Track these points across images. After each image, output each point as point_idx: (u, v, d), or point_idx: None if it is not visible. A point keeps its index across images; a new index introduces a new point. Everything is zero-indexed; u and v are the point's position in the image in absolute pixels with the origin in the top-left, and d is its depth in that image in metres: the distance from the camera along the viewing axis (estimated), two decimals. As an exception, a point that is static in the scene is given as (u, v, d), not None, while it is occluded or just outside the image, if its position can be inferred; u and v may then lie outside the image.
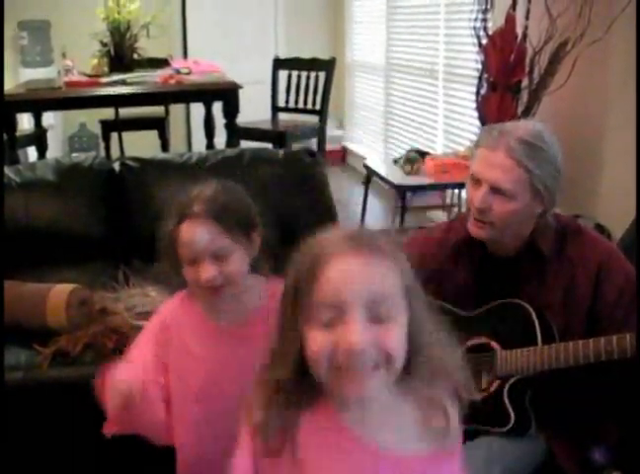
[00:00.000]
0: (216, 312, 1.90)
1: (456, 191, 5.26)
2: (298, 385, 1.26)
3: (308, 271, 1.21)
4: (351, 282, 1.18)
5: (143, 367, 1.83)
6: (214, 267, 1.79)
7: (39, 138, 5.64)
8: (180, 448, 1.92)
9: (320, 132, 6.25)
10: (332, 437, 1.28)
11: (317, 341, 1.19)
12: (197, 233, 1.79)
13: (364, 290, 1.17)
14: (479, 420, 1.95)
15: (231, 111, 5.27)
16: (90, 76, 5.37)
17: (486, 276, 2.18)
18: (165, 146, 6.71)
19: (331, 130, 7.35)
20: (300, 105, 6.44)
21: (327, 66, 6.26)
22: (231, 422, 1.42)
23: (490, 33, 4.10)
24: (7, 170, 3.26)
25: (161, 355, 1.89)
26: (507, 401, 2.02)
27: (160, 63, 6.04)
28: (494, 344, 2.08)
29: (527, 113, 4.01)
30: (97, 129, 7.08)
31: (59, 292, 2.78)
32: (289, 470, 1.29)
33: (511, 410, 2.01)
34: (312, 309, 1.20)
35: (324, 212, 3.32)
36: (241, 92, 5.22)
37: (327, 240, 1.27)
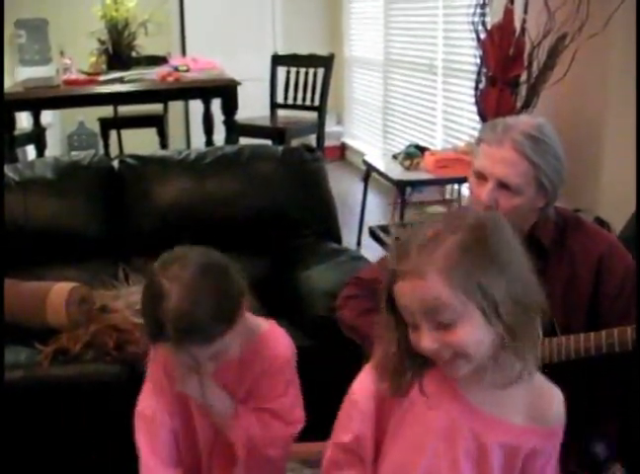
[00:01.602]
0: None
1: (456, 186, 5.27)
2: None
3: (387, 285, 1.40)
4: (410, 302, 1.35)
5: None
6: (211, 364, 1.70)
7: (37, 137, 5.64)
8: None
9: (319, 129, 6.24)
10: (446, 397, 1.43)
11: (412, 339, 1.38)
12: (179, 357, 1.68)
13: (418, 307, 1.34)
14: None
15: (230, 107, 5.27)
16: (88, 74, 5.37)
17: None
18: (164, 144, 6.72)
19: (330, 126, 7.35)
20: (299, 101, 6.43)
21: (325, 62, 6.25)
22: None
23: (488, 27, 4.10)
24: (6, 169, 3.25)
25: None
26: (508, 395, 2.01)
27: (158, 61, 6.04)
28: (494, 338, 2.08)
29: (526, 107, 4.01)
30: (95, 127, 7.10)
31: (59, 291, 2.78)
32: (404, 415, 1.47)
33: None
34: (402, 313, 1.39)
35: (324, 208, 3.32)
36: (240, 89, 5.22)
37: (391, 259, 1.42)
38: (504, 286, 1.34)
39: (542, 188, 2.02)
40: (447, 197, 5.55)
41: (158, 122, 6.77)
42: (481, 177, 2.06)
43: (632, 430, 2.03)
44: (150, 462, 1.87)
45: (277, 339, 1.85)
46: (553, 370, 1.97)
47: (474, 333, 1.33)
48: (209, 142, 5.47)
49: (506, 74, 4.03)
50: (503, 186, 2.01)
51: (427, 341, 1.34)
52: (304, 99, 6.39)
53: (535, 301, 1.42)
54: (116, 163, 3.39)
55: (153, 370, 1.92)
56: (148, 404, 1.92)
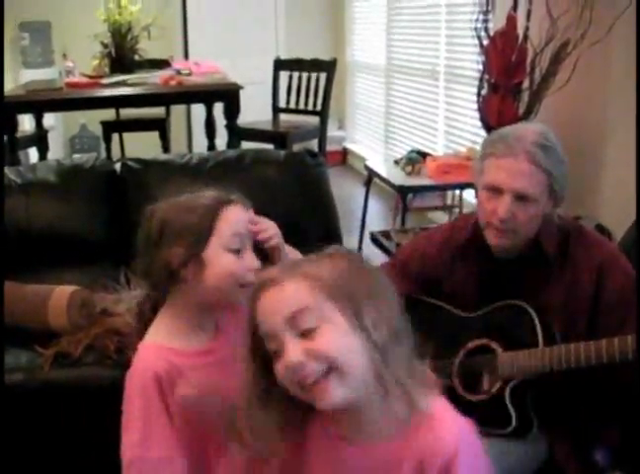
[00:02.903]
0: (195, 332, 1.74)
1: (457, 191, 5.26)
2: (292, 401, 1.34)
3: (251, 307, 1.34)
4: (272, 313, 1.29)
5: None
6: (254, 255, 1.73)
7: (39, 139, 5.64)
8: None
9: (321, 133, 6.24)
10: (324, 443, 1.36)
11: (278, 371, 1.29)
12: (246, 216, 1.76)
13: (280, 317, 1.27)
14: (480, 421, 1.95)
15: (232, 111, 5.27)
16: (91, 77, 5.37)
17: (488, 278, 2.18)
18: (166, 147, 6.72)
19: (332, 131, 7.36)
20: (301, 106, 6.44)
21: (328, 67, 6.25)
22: None
23: (491, 34, 4.10)
24: (8, 171, 3.25)
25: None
26: (509, 403, 2.01)
27: (161, 64, 6.05)
28: (495, 345, 2.08)
29: (528, 114, 4.00)
30: (98, 130, 7.10)
31: (61, 294, 2.78)
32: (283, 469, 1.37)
33: (512, 411, 2.00)
34: (266, 342, 1.31)
35: (325, 213, 3.32)
36: (242, 93, 5.23)
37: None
38: (372, 304, 1.28)
39: (553, 194, 2.04)
40: (449, 202, 5.55)
41: (160, 126, 6.77)
42: (495, 190, 2.05)
43: (632, 437, 2.03)
44: None
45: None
46: (554, 378, 1.99)
47: (339, 339, 1.26)
48: (211, 146, 5.47)
49: (508, 81, 4.03)
50: (519, 198, 2.01)
51: (292, 353, 1.25)
52: (306, 103, 6.40)
53: (406, 336, 1.32)
54: (118, 166, 3.39)
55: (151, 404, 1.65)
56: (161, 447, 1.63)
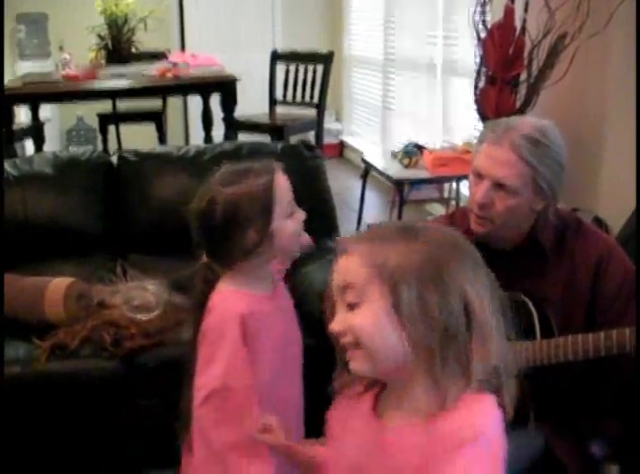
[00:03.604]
0: (261, 283, 1.90)
1: (454, 184, 5.26)
2: None
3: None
4: (335, 278, 1.35)
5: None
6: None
7: (36, 132, 5.62)
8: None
9: (318, 126, 6.24)
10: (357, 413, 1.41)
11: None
12: (284, 181, 1.85)
13: (336, 283, 1.34)
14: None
15: (229, 104, 5.27)
16: (87, 69, 5.35)
17: (486, 270, 2.18)
18: (162, 139, 6.70)
19: (329, 124, 7.35)
20: (298, 98, 6.42)
21: (325, 60, 6.25)
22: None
23: (489, 26, 4.09)
24: (5, 164, 3.25)
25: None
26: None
27: (158, 56, 6.04)
28: (493, 337, 2.08)
29: (526, 106, 4.00)
30: (94, 123, 7.08)
31: (57, 286, 2.78)
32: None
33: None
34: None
35: (322, 206, 3.32)
36: (239, 85, 5.22)
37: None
38: (428, 303, 1.26)
39: (541, 190, 2.02)
40: (446, 195, 5.54)
41: (157, 118, 6.76)
42: (479, 176, 2.06)
43: (630, 430, 2.03)
44: None
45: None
46: (552, 370, 1.99)
47: (373, 321, 1.28)
48: (208, 138, 5.46)
49: (506, 73, 4.02)
50: (499, 186, 2.02)
51: (335, 320, 1.34)
52: (303, 96, 6.39)
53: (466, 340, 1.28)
54: (114, 159, 3.39)
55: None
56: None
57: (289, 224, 1.84)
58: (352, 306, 1.31)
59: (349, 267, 1.32)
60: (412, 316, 1.26)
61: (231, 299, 1.84)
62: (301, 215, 1.88)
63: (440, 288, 1.27)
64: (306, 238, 1.91)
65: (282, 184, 1.83)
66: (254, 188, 1.80)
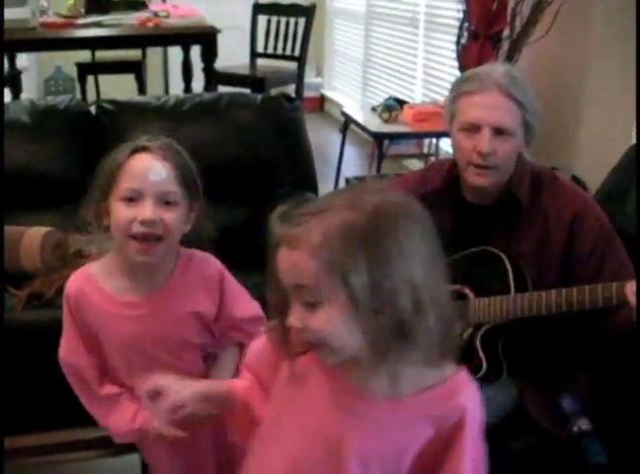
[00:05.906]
0: (132, 282, 1.84)
1: (434, 140, 5.26)
2: None
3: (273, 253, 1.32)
4: (283, 272, 1.26)
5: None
6: (157, 209, 1.69)
7: (13, 80, 5.55)
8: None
9: (298, 79, 6.20)
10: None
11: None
12: (153, 164, 1.71)
13: (288, 279, 1.25)
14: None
15: (209, 55, 5.22)
16: (65, 17, 5.27)
17: (461, 224, 2.18)
18: (142, 90, 6.63)
19: (309, 78, 7.31)
20: (279, 51, 6.39)
21: (307, 12, 6.20)
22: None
23: (472, -20, 4.06)
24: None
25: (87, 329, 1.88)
26: (479, 348, 2.04)
27: (138, 5, 5.94)
28: (467, 291, 2.09)
29: (508, 62, 3.99)
30: (73, 72, 6.99)
31: (33, 235, 2.76)
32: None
33: (483, 357, 2.03)
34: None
35: (301, 158, 3.31)
36: (220, 37, 5.16)
37: None
38: (379, 283, 1.20)
39: (528, 127, 2.06)
40: (425, 150, 5.54)
41: (136, 69, 6.68)
42: (472, 128, 2.05)
43: (601, 385, 2.06)
44: None
45: (207, 258, 1.90)
46: (525, 325, 2.01)
47: (334, 323, 1.22)
48: (188, 90, 5.41)
49: (488, 29, 4.01)
50: (499, 131, 2.03)
51: (293, 317, 1.26)
52: (284, 48, 6.36)
53: (434, 305, 1.25)
54: (93, 108, 3.36)
55: None
56: None
57: (123, 212, 1.70)
58: (310, 305, 1.23)
59: (298, 265, 1.22)
60: (369, 306, 1.20)
61: (76, 278, 1.95)
62: (142, 211, 1.70)
63: (389, 268, 1.20)
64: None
65: (140, 163, 1.72)
66: (107, 158, 1.77)
